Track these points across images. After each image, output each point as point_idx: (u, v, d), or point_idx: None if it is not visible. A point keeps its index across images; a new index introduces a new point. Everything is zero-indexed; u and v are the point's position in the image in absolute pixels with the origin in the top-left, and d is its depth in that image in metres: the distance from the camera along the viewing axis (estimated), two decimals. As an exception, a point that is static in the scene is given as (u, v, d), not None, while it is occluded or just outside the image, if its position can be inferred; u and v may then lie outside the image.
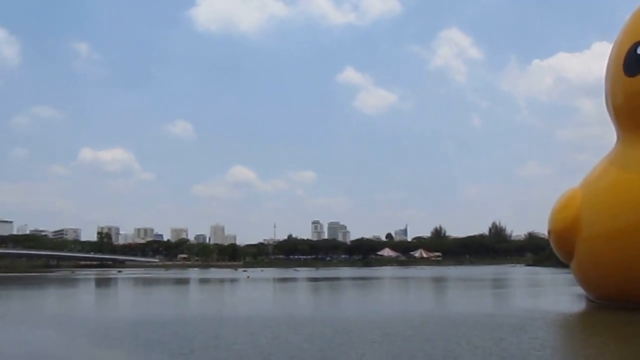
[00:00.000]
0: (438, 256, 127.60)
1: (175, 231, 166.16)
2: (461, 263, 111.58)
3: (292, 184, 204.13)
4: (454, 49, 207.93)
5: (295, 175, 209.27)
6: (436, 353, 8.39)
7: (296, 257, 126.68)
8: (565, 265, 20.38)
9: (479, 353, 8.27)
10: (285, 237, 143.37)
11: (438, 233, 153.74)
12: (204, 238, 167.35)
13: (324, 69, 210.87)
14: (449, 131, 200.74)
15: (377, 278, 44.69)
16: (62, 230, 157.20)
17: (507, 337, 9.69)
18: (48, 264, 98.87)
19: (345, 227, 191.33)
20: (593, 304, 15.91)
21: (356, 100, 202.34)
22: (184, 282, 43.34)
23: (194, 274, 64.70)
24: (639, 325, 11.96)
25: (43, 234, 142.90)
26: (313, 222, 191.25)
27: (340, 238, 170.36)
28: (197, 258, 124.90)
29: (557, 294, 23.45)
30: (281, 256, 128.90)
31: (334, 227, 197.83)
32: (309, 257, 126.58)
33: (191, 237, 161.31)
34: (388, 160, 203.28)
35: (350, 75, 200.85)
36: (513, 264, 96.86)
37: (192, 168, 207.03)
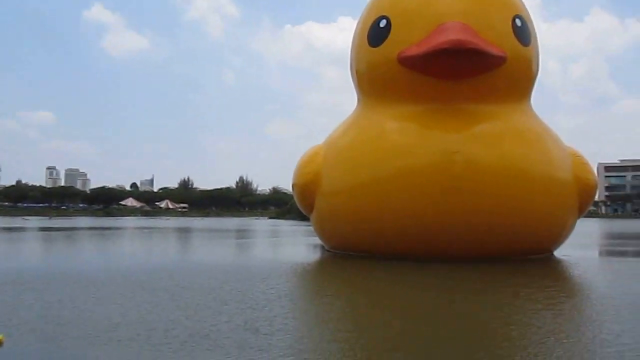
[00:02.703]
0: (184, 207, 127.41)
1: None
2: (207, 215, 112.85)
3: (24, 124, 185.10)
4: (211, 2, 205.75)
5: (28, 114, 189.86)
6: (180, 303, 8.24)
7: (25, 205, 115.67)
8: (305, 218, 21.76)
9: (220, 303, 8.31)
10: (14, 183, 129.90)
11: (185, 184, 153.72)
12: None
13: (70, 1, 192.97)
14: (202, 84, 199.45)
15: (119, 228, 42.89)
16: None
17: (250, 288, 9.90)
18: None
19: (86, 175, 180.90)
20: (329, 253, 17.25)
21: (105, 40, 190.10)
22: None
23: None
24: (368, 271, 13.14)
25: None
26: (48, 168, 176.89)
27: (79, 186, 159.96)
28: None
29: (296, 244, 24.93)
30: (6, 203, 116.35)
31: (72, 173, 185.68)
32: (42, 205, 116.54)
33: None
34: (137, 107, 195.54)
35: (98, 12, 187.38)
36: (257, 217, 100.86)
37: None
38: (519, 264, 14.06)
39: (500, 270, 13.14)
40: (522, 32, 14.92)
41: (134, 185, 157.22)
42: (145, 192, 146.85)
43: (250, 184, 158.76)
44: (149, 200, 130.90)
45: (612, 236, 35.68)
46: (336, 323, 7.21)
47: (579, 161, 15.56)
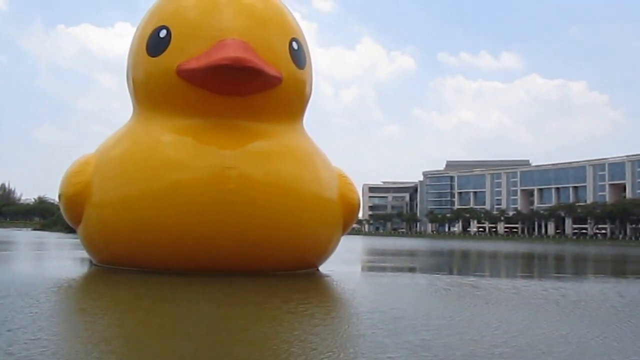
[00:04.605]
0: None
1: None
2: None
3: None
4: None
5: None
6: None
7: None
8: (71, 230, 20.48)
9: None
10: None
11: None
12: None
13: None
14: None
15: None
16: None
17: (8, 307, 9.03)
18: None
19: None
20: (97, 268, 16.39)
21: None
22: None
23: None
24: (139, 287, 12.79)
25: None
26: None
27: None
28: None
29: (62, 258, 23.30)
30: None
31: None
32: None
33: None
34: None
35: None
36: (20, 228, 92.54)
37: None
38: (290, 279, 14.70)
39: (273, 285, 13.60)
40: (298, 55, 15.76)
41: None
42: None
43: (13, 192, 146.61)
44: None
45: (374, 252, 38.88)
46: (103, 344, 6.82)
47: (344, 181, 16.82)
